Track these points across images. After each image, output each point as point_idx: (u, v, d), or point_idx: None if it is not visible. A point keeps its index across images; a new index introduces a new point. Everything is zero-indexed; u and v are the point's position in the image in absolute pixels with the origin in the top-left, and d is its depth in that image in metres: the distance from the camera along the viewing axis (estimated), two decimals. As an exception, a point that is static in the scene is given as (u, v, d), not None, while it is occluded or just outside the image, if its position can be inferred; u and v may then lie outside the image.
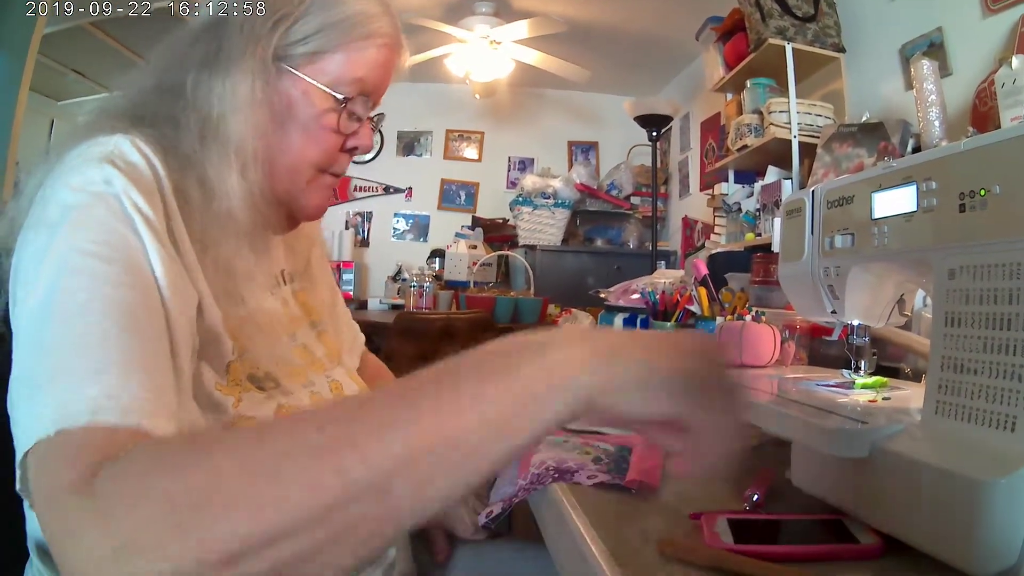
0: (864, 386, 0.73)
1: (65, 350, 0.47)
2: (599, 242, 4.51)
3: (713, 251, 3.03)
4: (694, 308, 1.68)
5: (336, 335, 0.94)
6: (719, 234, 3.30)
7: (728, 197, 3.09)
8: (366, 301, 4.09)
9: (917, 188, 0.56)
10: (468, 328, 2.98)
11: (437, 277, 4.03)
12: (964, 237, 0.51)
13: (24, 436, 0.44)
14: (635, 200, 4.57)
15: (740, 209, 2.95)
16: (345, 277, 4.29)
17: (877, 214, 0.62)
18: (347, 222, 4.82)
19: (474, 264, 4.02)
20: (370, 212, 4.87)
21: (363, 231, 4.88)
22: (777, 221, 2.28)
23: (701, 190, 4.11)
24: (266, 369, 0.70)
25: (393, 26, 0.76)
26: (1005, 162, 0.48)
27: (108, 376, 0.46)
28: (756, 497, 0.61)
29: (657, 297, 1.77)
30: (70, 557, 0.36)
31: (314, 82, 0.70)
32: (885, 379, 0.75)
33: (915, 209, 0.56)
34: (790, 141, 2.36)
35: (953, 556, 0.45)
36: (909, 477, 0.48)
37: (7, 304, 0.59)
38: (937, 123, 1.63)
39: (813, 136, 2.35)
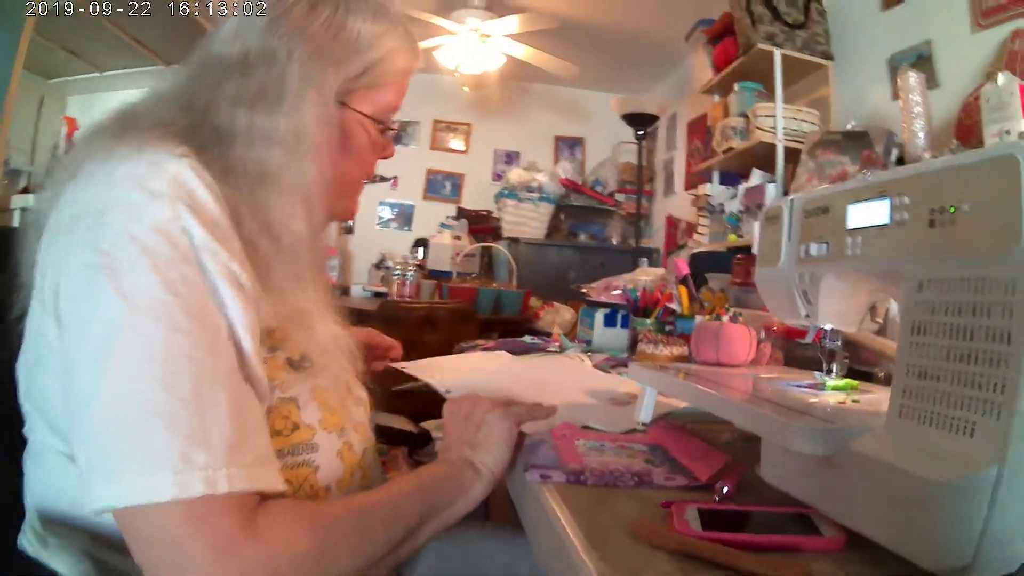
0: (835, 388, 0.76)
1: (186, 415, 0.53)
2: (582, 237, 4.54)
3: (695, 250, 3.07)
4: (674, 306, 1.71)
5: None
6: (702, 234, 3.34)
7: (712, 198, 3.12)
8: (349, 288, 4.09)
9: (891, 202, 0.59)
10: (450, 318, 3.00)
11: (420, 267, 4.03)
12: (933, 252, 0.53)
13: (133, 489, 0.52)
14: (619, 197, 4.61)
15: (723, 210, 2.98)
16: (328, 264, 4.28)
17: (851, 225, 0.64)
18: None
19: (457, 255, 4.03)
20: None
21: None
22: (758, 225, 2.31)
23: (686, 189, 4.15)
24: (302, 352, 0.73)
25: (418, 53, 0.85)
26: (975, 182, 0.50)
27: (237, 445, 0.56)
28: (726, 490, 0.64)
29: (638, 294, 1.79)
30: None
31: (371, 117, 0.80)
32: (855, 382, 0.78)
33: (888, 222, 0.59)
34: (775, 146, 2.40)
35: (911, 552, 0.47)
36: (872, 476, 0.51)
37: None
38: (922, 135, 1.67)
39: (798, 141, 2.39)
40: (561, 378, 1.04)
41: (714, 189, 3.13)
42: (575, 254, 4.37)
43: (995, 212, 0.48)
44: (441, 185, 5.02)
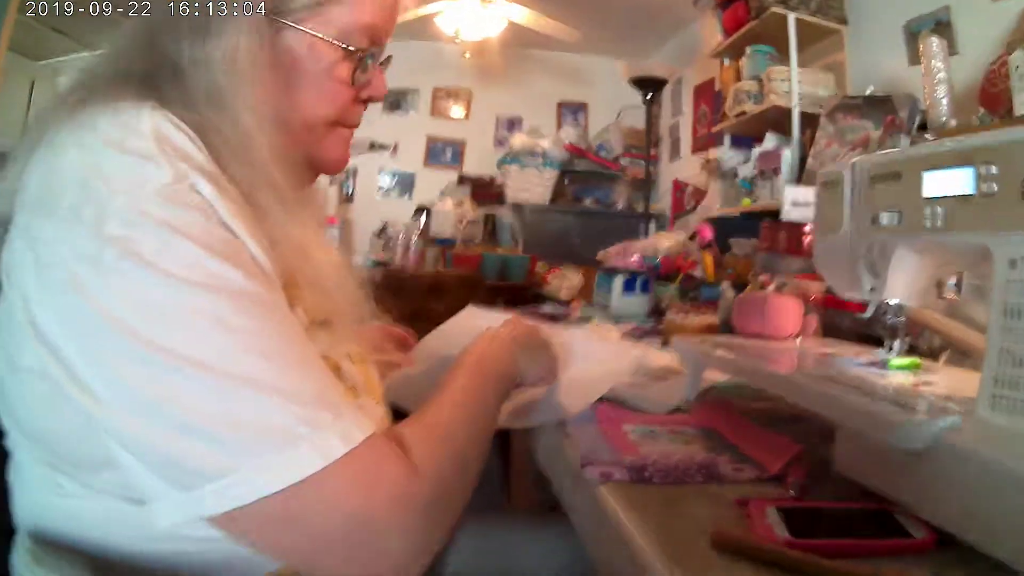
0: (899, 367, 0.72)
1: (292, 379, 0.50)
2: (587, 202, 4.48)
3: (710, 215, 3.02)
4: (696, 273, 1.67)
5: None
6: (713, 199, 3.29)
7: (723, 162, 3.06)
8: (350, 258, 4.03)
9: (976, 172, 0.54)
10: (457, 285, 2.96)
11: (423, 235, 3.98)
12: None
13: (266, 473, 0.46)
14: (624, 161, 4.54)
15: (736, 175, 2.92)
16: (329, 233, 4.22)
17: (928, 193, 0.59)
18: (331, 178, 4.71)
19: (461, 222, 3.98)
20: (355, 168, 4.75)
21: (348, 187, 4.79)
22: (782, 187, 2.27)
23: (693, 153, 4.08)
24: (322, 317, 0.66)
25: None
26: None
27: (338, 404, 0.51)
28: (798, 484, 0.60)
29: (659, 260, 1.75)
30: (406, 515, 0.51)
31: (320, 35, 0.64)
32: (918, 361, 0.73)
33: (973, 192, 0.54)
34: (790, 110, 2.34)
35: (1008, 555, 0.44)
36: (969, 473, 0.47)
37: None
38: (945, 101, 1.63)
39: (814, 107, 2.32)
40: (594, 348, 0.99)
41: (725, 153, 3.06)
42: (580, 219, 4.31)
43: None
44: (441, 152, 4.93)
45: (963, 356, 0.88)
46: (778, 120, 2.50)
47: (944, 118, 1.63)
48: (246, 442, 0.46)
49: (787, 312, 0.95)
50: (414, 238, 3.41)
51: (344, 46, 0.65)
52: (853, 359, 0.77)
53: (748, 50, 2.74)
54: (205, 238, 0.49)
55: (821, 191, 0.77)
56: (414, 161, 4.89)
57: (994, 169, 0.52)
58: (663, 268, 1.72)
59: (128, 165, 0.50)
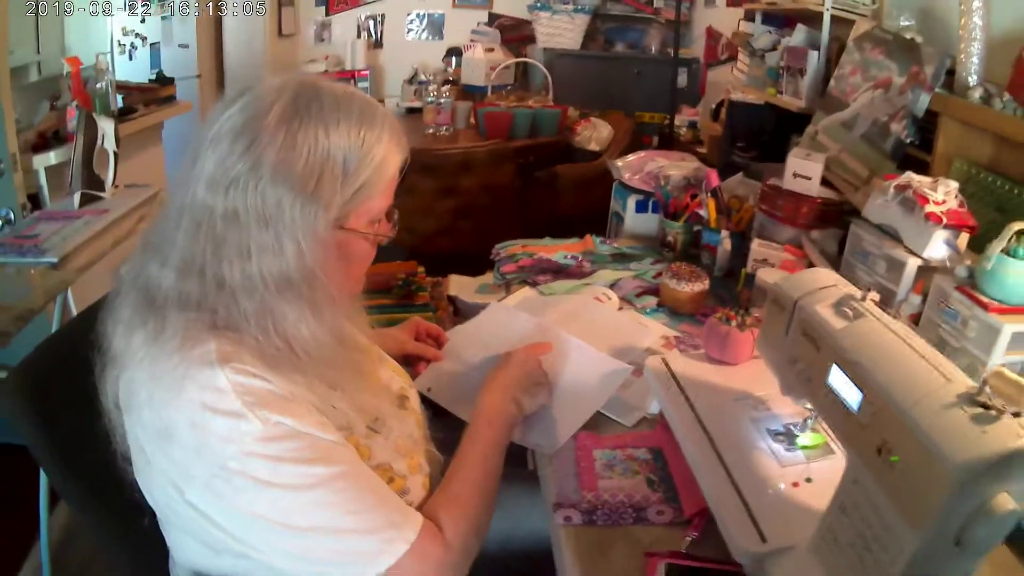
0: (803, 448, 0.94)
1: (370, 519, 0.77)
2: (619, 46, 4.43)
3: (733, 97, 3.06)
4: (702, 213, 1.84)
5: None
6: (742, 71, 3.27)
7: (754, 39, 3.02)
8: (383, 101, 4.10)
9: (863, 398, 0.67)
10: (487, 160, 3.10)
11: (453, 82, 4.01)
12: (872, 472, 0.64)
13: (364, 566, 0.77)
14: (658, 3, 4.40)
15: (763, 58, 2.91)
16: (361, 86, 4.24)
17: (831, 381, 0.72)
18: (359, 27, 4.63)
19: (492, 69, 3.99)
20: (382, 14, 4.64)
21: (376, 33, 4.70)
22: (804, 89, 2.31)
23: (728, 5, 3.95)
24: (373, 416, 0.89)
25: (404, 146, 0.85)
26: (914, 450, 0.59)
27: (399, 505, 0.81)
28: (694, 536, 0.87)
29: (669, 194, 1.92)
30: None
31: (367, 232, 0.84)
32: (823, 438, 0.95)
33: (856, 411, 0.68)
34: (821, 14, 2.31)
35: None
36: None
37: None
38: (976, 59, 1.56)
39: (848, 11, 2.28)
40: (589, 361, 1.23)
41: (756, 29, 3.01)
42: (612, 65, 4.31)
43: (917, 492, 0.58)
44: (471, -9, 4.76)
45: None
46: (809, 19, 2.47)
47: (969, 83, 1.57)
48: (354, 561, 0.77)
49: (743, 345, 1.17)
50: (444, 97, 3.46)
51: (383, 235, 0.86)
52: (778, 417, 1.00)
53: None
54: (300, 454, 0.74)
55: (770, 304, 0.92)
56: (443, 1, 4.76)
57: (874, 410, 0.64)
58: (672, 207, 1.90)
59: (228, 425, 0.71)
